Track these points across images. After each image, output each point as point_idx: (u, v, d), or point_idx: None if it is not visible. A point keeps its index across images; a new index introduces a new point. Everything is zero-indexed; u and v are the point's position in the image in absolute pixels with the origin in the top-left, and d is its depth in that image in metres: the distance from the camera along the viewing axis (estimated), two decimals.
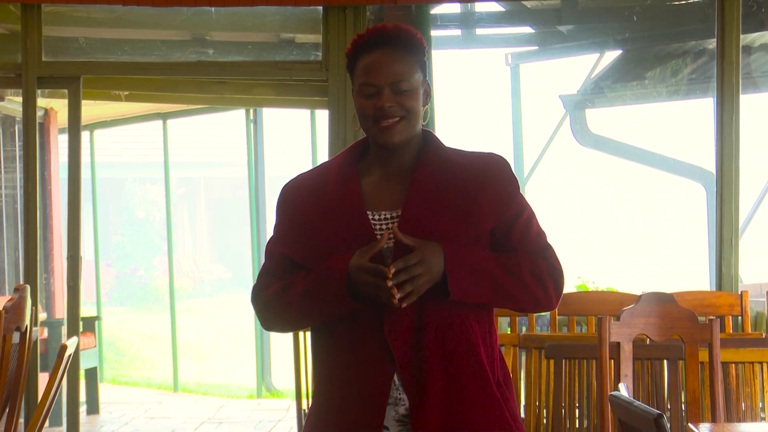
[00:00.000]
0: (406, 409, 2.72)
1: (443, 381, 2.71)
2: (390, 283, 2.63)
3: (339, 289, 2.69)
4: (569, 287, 7.54)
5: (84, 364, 8.47)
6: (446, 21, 7.98)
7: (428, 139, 2.86)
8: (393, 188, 2.80)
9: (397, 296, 2.64)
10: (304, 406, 5.42)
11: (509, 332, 5.77)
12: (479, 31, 8.16)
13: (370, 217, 2.77)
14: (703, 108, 8.44)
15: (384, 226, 2.76)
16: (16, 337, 4.35)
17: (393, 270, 2.64)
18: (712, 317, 4.14)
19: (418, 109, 2.79)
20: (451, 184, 2.77)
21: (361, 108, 2.78)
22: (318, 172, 2.89)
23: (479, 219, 2.75)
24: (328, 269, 2.72)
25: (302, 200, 2.84)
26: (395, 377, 2.71)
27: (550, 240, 2.86)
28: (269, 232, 2.92)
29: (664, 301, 4.09)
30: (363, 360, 2.72)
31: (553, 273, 2.79)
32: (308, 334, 4.70)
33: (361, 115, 2.79)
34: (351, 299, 2.69)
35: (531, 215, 2.82)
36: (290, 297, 2.77)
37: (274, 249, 2.87)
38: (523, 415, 4.92)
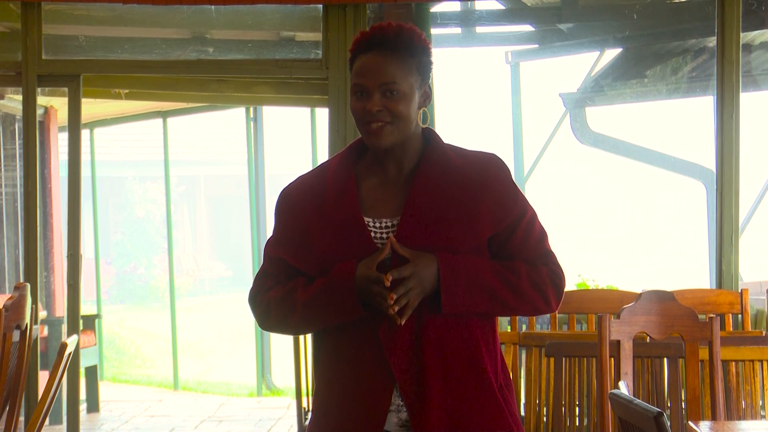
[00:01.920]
0: (408, 414, 2.71)
1: (444, 389, 2.69)
2: (391, 296, 2.63)
3: (350, 299, 2.68)
4: (569, 285, 7.54)
5: (84, 363, 8.47)
6: (446, 19, 7.98)
7: (429, 139, 2.83)
8: (393, 194, 2.78)
9: (395, 308, 2.64)
10: (305, 404, 5.42)
11: (509, 330, 5.77)
12: (479, 29, 8.16)
13: (371, 224, 2.75)
14: (703, 106, 8.44)
15: (384, 234, 2.74)
16: (16, 336, 4.35)
17: (390, 278, 2.64)
18: (712, 315, 4.14)
19: (408, 113, 2.74)
20: (451, 190, 2.73)
21: (353, 109, 2.77)
22: (316, 174, 2.86)
23: (478, 228, 2.73)
24: (335, 279, 2.70)
25: (300, 205, 2.81)
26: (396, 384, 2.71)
27: (551, 240, 2.84)
28: (269, 230, 2.91)
29: (664, 299, 4.09)
30: (362, 371, 2.71)
31: (554, 279, 2.78)
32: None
33: (354, 114, 2.78)
34: (362, 309, 2.68)
35: (533, 218, 2.79)
36: (293, 303, 2.76)
37: (273, 252, 2.85)
38: (523, 413, 4.92)
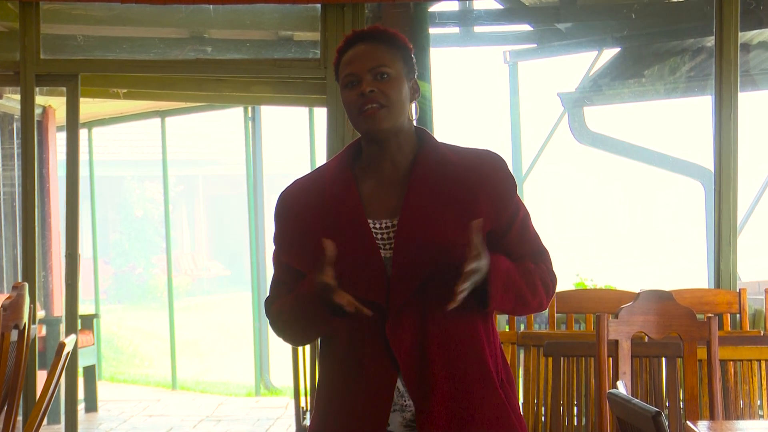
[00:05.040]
0: (413, 414, 2.70)
1: (449, 384, 2.69)
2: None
3: (315, 311, 2.66)
4: (568, 285, 7.55)
5: (82, 362, 8.47)
6: (444, 19, 7.99)
7: (423, 138, 2.83)
8: (391, 194, 2.77)
9: (352, 308, 2.60)
10: (303, 403, 5.42)
11: (507, 330, 5.78)
12: (477, 28, 8.16)
13: (372, 225, 2.74)
14: (701, 106, 8.45)
15: (384, 235, 2.74)
16: (14, 335, 4.35)
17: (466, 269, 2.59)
18: (710, 315, 4.15)
19: (401, 99, 2.75)
20: (449, 188, 2.73)
21: (347, 101, 2.76)
22: (314, 177, 2.85)
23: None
24: (300, 293, 2.70)
25: (300, 208, 2.80)
26: (399, 384, 2.70)
27: (547, 239, 2.86)
28: (268, 230, 2.92)
29: (662, 299, 4.09)
30: (365, 367, 2.71)
31: (553, 278, 2.82)
32: None
33: (347, 108, 2.77)
34: (332, 317, 2.66)
35: (527, 216, 2.80)
36: (286, 316, 2.77)
37: (278, 259, 2.85)
38: (521, 413, 4.92)
